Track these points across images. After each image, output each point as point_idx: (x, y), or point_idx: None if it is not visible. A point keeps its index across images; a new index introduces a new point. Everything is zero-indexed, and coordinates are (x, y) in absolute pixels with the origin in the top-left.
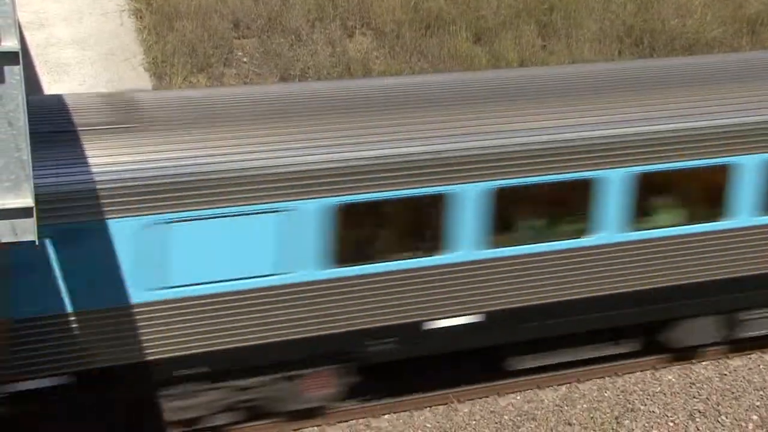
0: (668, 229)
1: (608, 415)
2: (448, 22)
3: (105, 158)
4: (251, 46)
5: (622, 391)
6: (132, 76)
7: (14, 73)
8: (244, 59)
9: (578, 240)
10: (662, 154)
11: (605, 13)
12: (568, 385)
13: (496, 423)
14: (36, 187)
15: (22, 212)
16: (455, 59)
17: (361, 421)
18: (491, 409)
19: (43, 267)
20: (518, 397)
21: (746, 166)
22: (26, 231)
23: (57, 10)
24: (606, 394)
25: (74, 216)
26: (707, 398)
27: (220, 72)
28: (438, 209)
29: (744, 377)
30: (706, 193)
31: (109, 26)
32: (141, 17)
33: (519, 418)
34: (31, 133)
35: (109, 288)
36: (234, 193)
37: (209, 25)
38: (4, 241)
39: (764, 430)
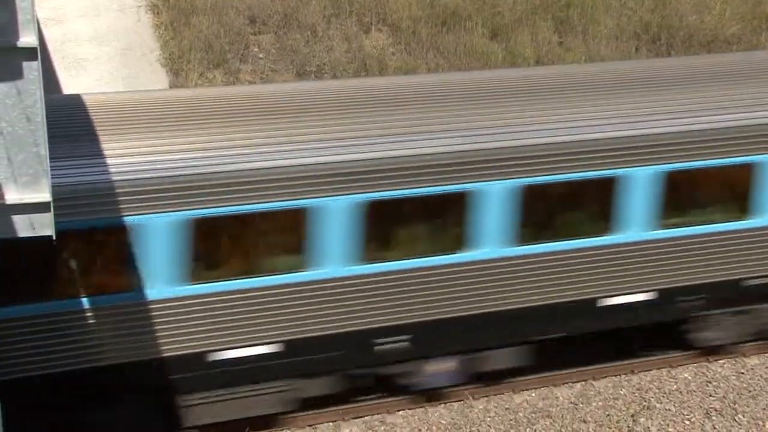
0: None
1: (624, 412)
2: (465, 18)
3: None
4: (267, 42)
5: (638, 389)
6: (148, 72)
7: (32, 69)
8: (260, 55)
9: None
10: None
11: (622, 9)
12: (584, 382)
13: (511, 420)
14: None
15: (40, 207)
16: (471, 56)
17: (376, 417)
18: (506, 406)
19: None
20: (533, 394)
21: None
22: (44, 226)
23: (74, 5)
24: (621, 392)
25: None
26: (724, 396)
27: (237, 68)
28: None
29: (762, 376)
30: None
31: (126, 22)
32: (158, 13)
33: (534, 415)
34: None
35: None
36: None
37: (225, 21)
38: (21, 236)
39: None
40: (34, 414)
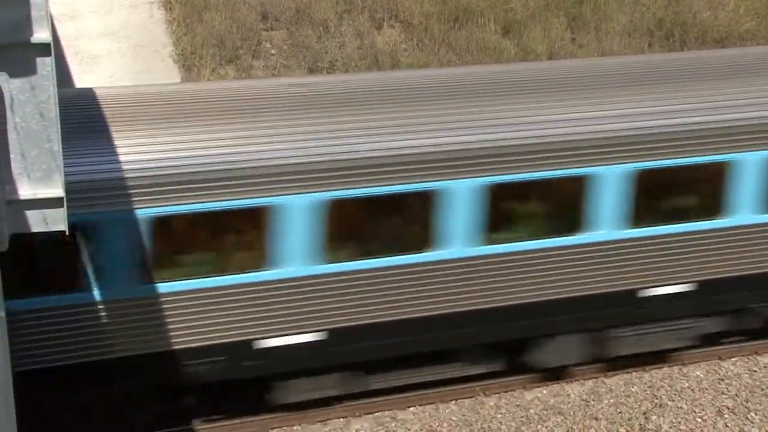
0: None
1: (635, 410)
2: (477, 14)
3: None
4: (279, 38)
5: (650, 386)
6: (161, 68)
7: (46, 65)
8: (273, 51)
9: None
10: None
11: (635, 5)
12: (595, 379)
13: (522, 417)
14: None
15: (53, 202)
16: (483, 52)
17: (386, 413)
18: (517, 402)
19: None
20: (544, 391)
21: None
22: (57, 221)
23: (87, 1)
24: (633, 389)
25: None
26: (736, 395)
27: (249, 64)
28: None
29: None
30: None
31: (138, 18)
32: (170, 9)
33: (545, 412)
34: None
35: None
36: None
37: (238, 17)
38: (35, 230)
39: None
40: None
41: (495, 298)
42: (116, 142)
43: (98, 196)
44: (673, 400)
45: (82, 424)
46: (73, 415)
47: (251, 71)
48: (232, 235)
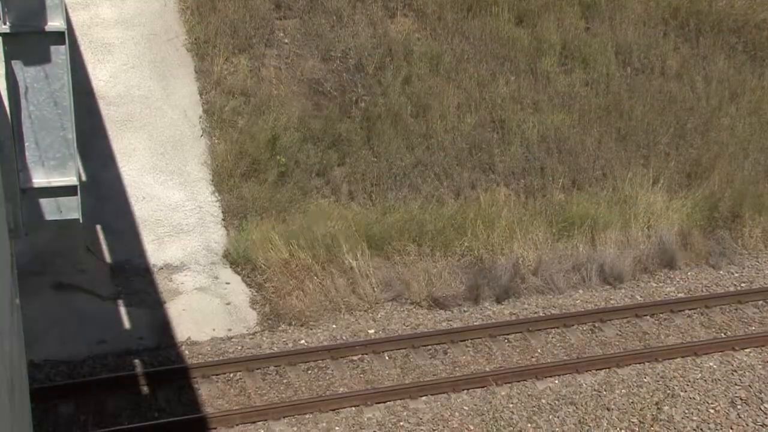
0: None
1: (648, 400)
2: (490, 3)
3: None
4: (293, 27)
5: (662, 377)
6: (174, 57)
7: (60, 53)
8: (286, 40)
9: None
10: None
11: None
12: (607, 369)
13: (534, 406)
14: None
15: (68, 190)
16: (497, 41)
17: (398, 402)
18: (529, 392)
19: None
20: (556, 381)
21: None
22: (71, 209)
23: None
24: (645, 380)
25: None
26: (749, 385)
27: (262, 53)
28: None
29: None
30: None
31: (152, 6)
32: None
33: (557, 402)
34: None
35: None
36: None
37: (251, 6)
38: (49, 219)
39: None
40: None
41: None
42: None
43: None
44: (686, 391)
45: None
46: None
47: (264, 60)
48: None
